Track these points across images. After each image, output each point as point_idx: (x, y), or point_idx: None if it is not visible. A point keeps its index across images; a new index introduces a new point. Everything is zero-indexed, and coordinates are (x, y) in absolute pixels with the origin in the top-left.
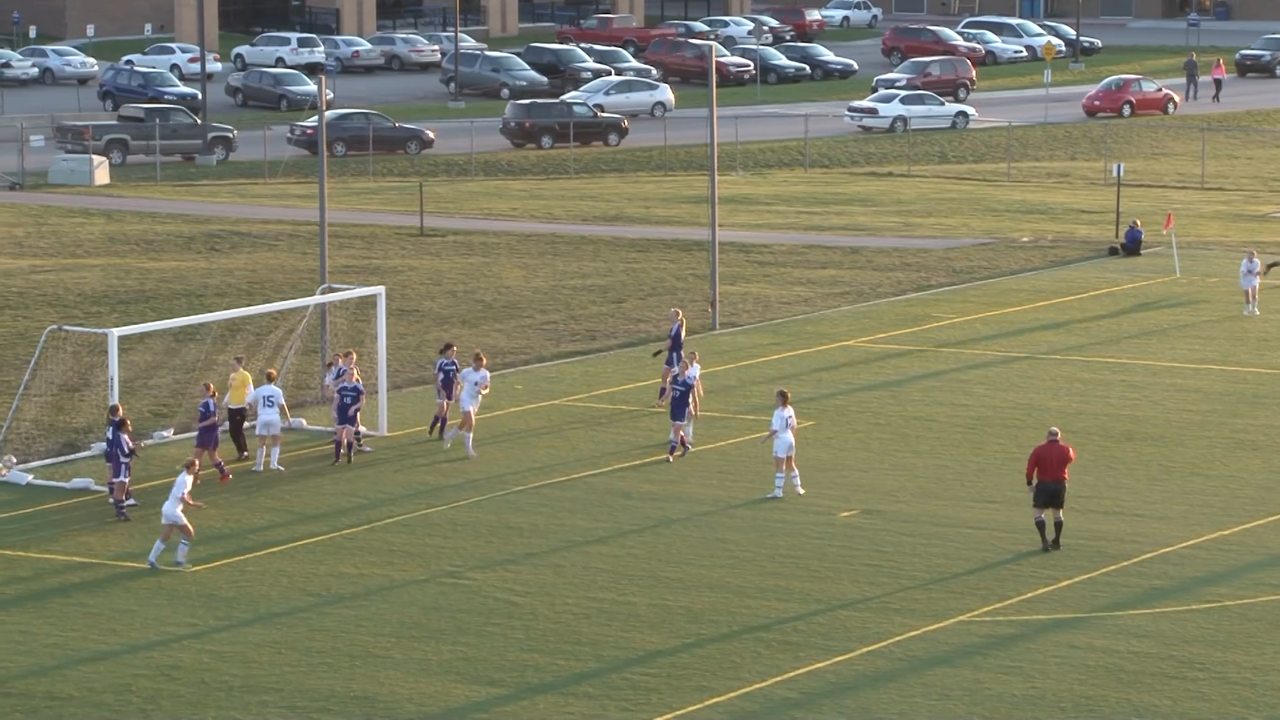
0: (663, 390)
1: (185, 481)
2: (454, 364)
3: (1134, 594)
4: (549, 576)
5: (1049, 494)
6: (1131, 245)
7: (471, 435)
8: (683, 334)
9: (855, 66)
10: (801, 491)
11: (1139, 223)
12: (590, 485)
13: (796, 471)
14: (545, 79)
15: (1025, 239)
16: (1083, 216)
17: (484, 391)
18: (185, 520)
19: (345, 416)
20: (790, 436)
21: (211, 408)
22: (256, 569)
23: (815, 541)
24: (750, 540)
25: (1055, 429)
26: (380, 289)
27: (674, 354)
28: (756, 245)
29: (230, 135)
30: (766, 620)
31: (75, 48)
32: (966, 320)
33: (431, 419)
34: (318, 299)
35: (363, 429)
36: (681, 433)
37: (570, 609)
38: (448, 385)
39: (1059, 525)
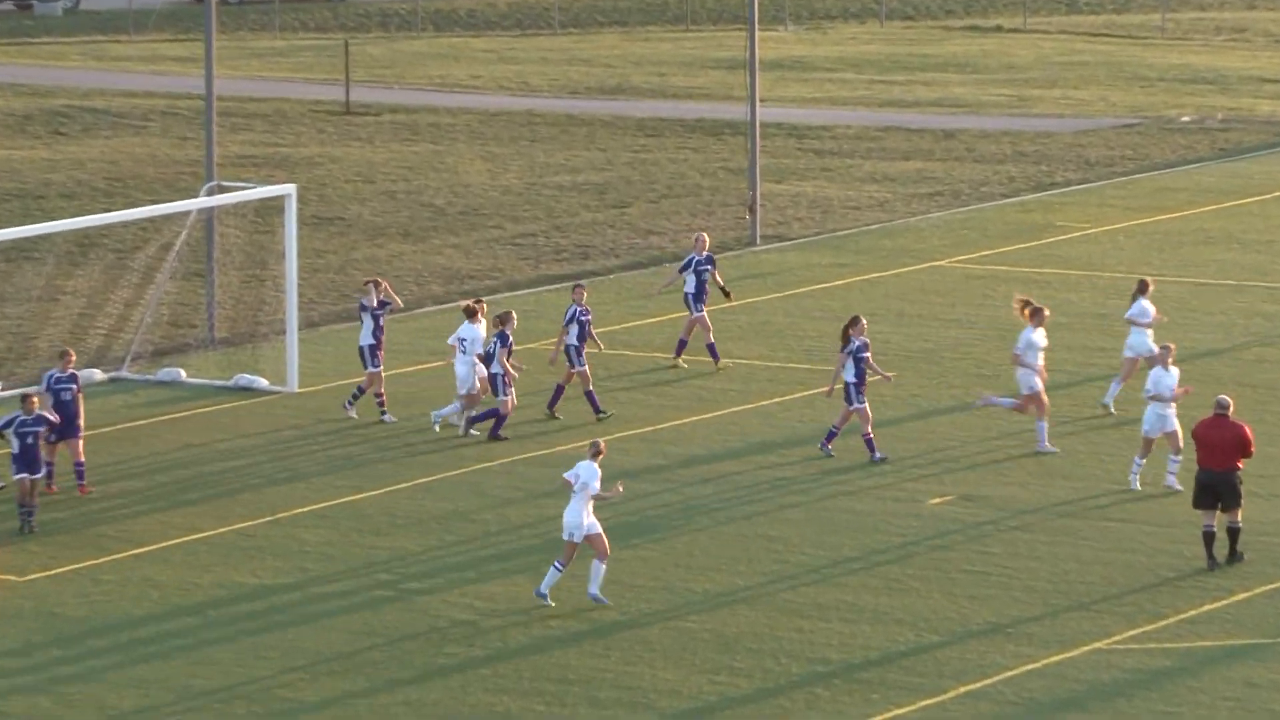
0: (682, 343)
1: (594, 471)
2: (587, 312)
3: None
4: (522, 586)
5: (1209, 490)
6: None
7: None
8: (714, 268)
9: None
10: (1177, 488)
11: None
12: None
13: (1177, 459)
14: None
15: (1185, 118)
16: (1265, 88)
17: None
18: (600, 528)
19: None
20: (1162, 409)
21: (64, 387)
22: (115, 577)
23: (895, 539)
24: (805, 537)
25: (1226, 398)
26: (290, 188)
27: (698, 295)
28: (813, 127)
29: None
30: (826, 649)
31: None
32: (1104, 231)
33: (555, 390)
34: (203, 202)
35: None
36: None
37: (553, 632)
38: (582, 341)
39: (1233, 533)
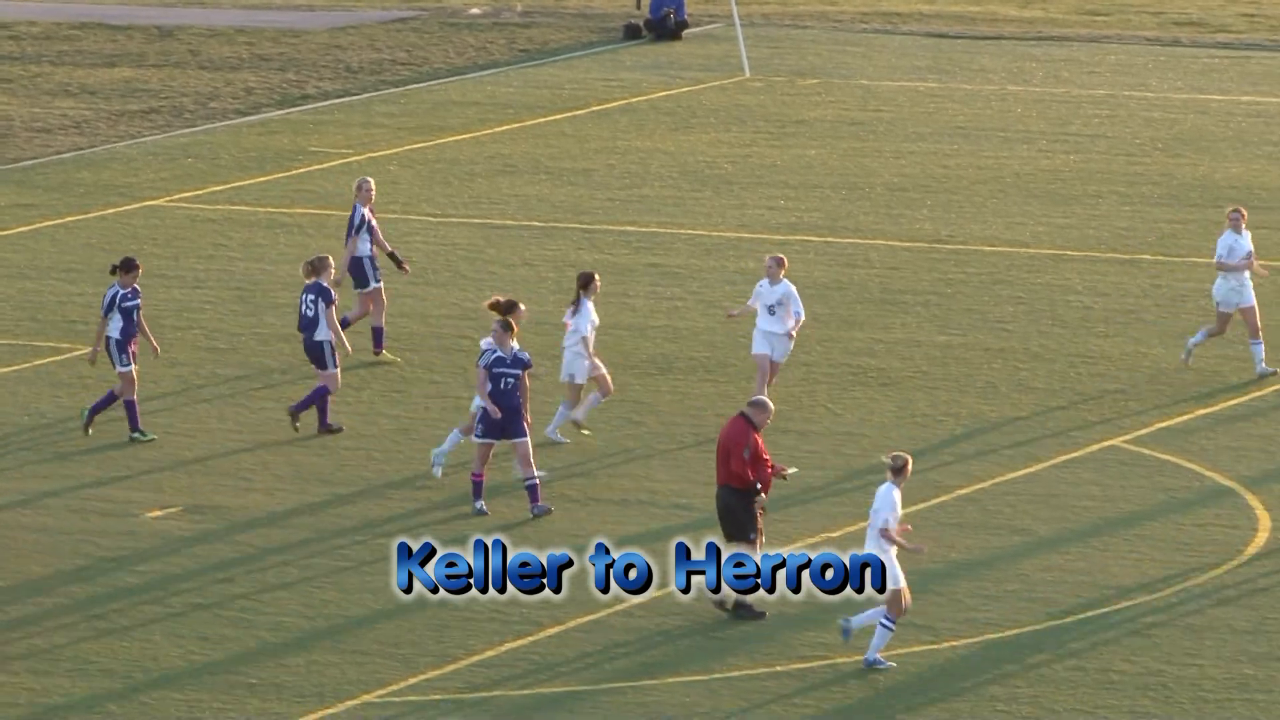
0: (378, 330)
1: (894, 500)
2: (134, 295)
3: None
4: None
5: (719, 515)
6: (660, 20)
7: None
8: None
9: None
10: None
11: None
12: None
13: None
14: None
15: (474, 10)
16: None
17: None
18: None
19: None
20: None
21: None
22: None
23: (101, 566)
24: None
25: (761, 398)
26: None
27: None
28: None
29: None
30: (12, 709)
31: None
32: (371, 159)
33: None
34: None
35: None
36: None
37: None
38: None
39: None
